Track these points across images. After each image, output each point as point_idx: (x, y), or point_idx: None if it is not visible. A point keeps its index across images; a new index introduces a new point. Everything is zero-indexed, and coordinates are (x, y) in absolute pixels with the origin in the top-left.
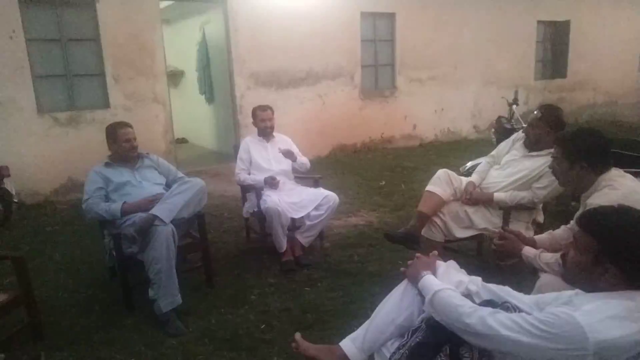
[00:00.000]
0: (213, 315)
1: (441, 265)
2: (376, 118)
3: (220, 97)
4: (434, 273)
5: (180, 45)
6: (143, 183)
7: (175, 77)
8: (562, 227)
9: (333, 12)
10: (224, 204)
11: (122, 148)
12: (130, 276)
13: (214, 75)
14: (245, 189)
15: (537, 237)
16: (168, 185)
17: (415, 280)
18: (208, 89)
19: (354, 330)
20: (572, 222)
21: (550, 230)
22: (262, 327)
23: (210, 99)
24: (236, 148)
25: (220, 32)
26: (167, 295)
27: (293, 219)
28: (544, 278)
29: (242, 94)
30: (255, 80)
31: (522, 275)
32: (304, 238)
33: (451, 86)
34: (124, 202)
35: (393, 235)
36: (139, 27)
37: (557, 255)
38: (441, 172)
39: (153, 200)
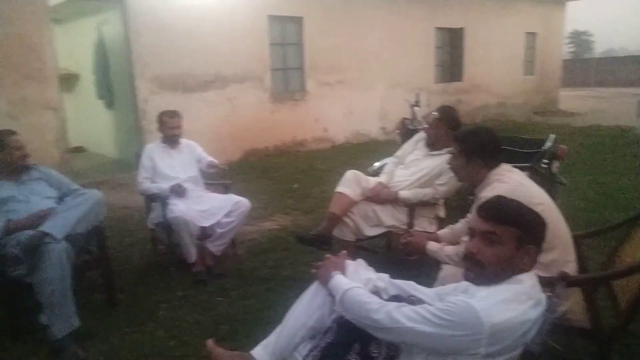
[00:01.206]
0: (116, 336)
1: (350, 264)
2: (287, 121)
3: (121, 102)
4: (344, 272)
5: (74, 47)
6: (31, 198)
7: (69, 80)
8: (461, 220)
9: (240, 15)
10: (127, 215)
11: (13, 157)
12: (18, 301)
13: (114, 79)
14: (150, 198)
15: (439, 232)
16: (61, 199)
17: (325, 281)
18: (107, 93)
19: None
20: (469, 215)
21: (451, 225)
22: (172, 343)
23: (109, 104)
24: (137, 156)
25: (118, 32)
26: (62, 319)
27: (203, 228)
28: (446, 269)
29: (145, 99)
30: (160, 84)
31: (427, 268)
32: (215, 247)
33: (359, 89)
34: (9, 220)
35: (304, 237)
36: (24, 25)
37: (457, 247)
38: (350, 174)
39: (43, 216)
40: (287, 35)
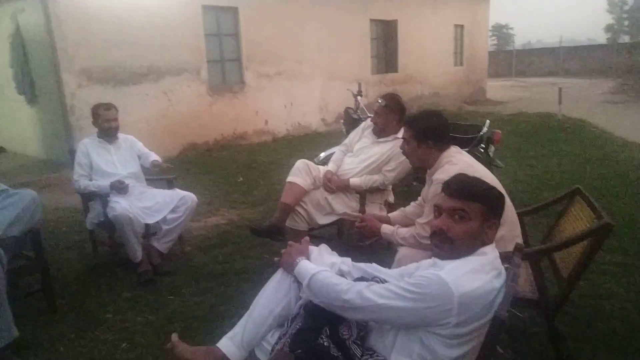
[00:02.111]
0: (61, 344)
1: (314, 250)
2: (227, 114)
3: (45, 97)
4: (308, 258)
5: None
6: None
7: None
8: (412, 203)
9: (172, 5)
10: (60, 217)
11: None
12: None
13: (36, 73)
14: (88, 197)
15: (390, 215)
16: None
17: (290, 268)
18: (28, 88)
19: (227, 332)
20: (419, 198)
21: (402, 208)
22: (124, 345)
23: (31, 100)
24: (72, 153)
25: (38, 22)
26: None
27: (147, 225)
28: (402, 251)
29: (72, 93)
30: (88, 76)
31: (381, 252)
32: (161, 244)
33: (298, 81)
34: None
35: (258, 229)
36: None
37: (412, 229)
38: (300, 163)
39: None
40: (223, 26)
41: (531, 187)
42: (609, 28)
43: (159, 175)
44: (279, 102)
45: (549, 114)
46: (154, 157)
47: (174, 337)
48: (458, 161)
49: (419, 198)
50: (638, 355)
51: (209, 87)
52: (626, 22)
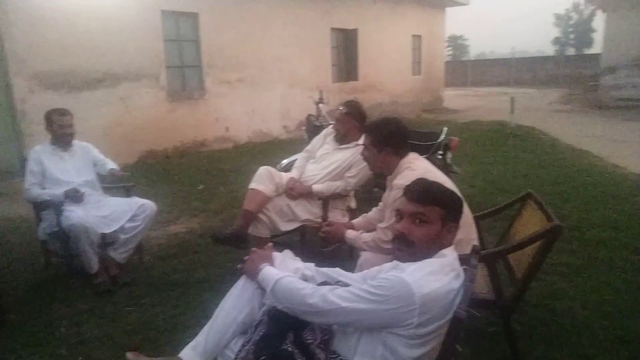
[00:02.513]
0: None
1: (277, 256)
2: (187, 121)
3: None
4: (272, 264)
5: None
6: None
7: None
8: (374, 209)
9: (130, 9)
10: (9, 228)
11: None
12: None
13: None
14: (40, 206)
15: (354, 221)
16: None
17: (254, 275)
18: None
19: (188, 342)
20: (380, 204)
21: (364, 214)
22: None
23: None
24: (23, 161)
25: None
26: None
27: (104, 235)
28: (364, 256)
29: (23, 98)
30: (40, 81)
31: (343, 257)
32: (119, 254)
33: (259, 88)
34: None
35: (220, 236)
36: None
37: (374, 234)
38: (263, 170)
39: None
40: (183, 32)
41: (486, 192)
42: (556, 41)
43: (117, 183)
44: (241, 109)
45: (503, 122)
46: (112, 165)
47: (129, 355)
48: (417, 167)
49: (380, 203)
50: (585, 351)
51: (169, 93)
52: (572, 36)
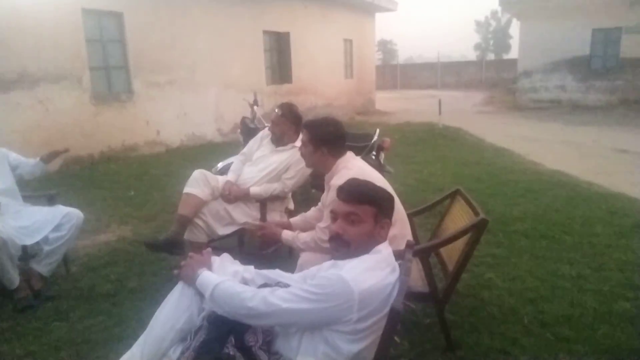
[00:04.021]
0: None
1: (215, 260)
2: (114, 125)
3: None
4: (210, 269)
5: None
6: None
7: None
8: (312, 208)
9: (47, 6)
10: None
11: None
12: None
13: None
14: None
15: (292, 220)
16: None
17: (191, 280)
18: None
19: (123, 354)
20: (319, 203)
21: (303, 213)
22: None
23: None
24: None
25: None
26: None
27: (25, 247)
28: (303, 256)
29: None
30: None
31: (283, 259)
32: (43, 267)
33: (191, 90)
34: None
35: (154, 243)
36: None
37: (313, 233)
38: (197, 173)
39: None
40: (107, 32)
41: (418, 190)
42: (477, 46)
43: (37, 192)
44: (172, 112)
45: (431, 123)
46: (34, 161)
47: None
48: (353, 166)
49: (319, 203)
50: (513, 335)
51: (93, 96)
52: (491, 42)
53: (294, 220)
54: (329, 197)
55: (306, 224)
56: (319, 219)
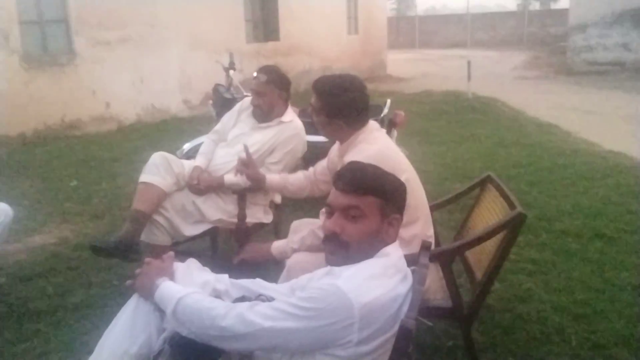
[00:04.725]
0: None
1: (179, 267)
2: (51, 95)
3: None
4: (172, 278)
5: None
6: None
7: None
8: (300, 173)
9: None
10: None
11: None
12: None
13: None
14: None
15: (268, 176)
16: None
17: (149, 293)
18: None
19: None
20: (311, 168)
21: (284, 175)
22: None
23: None
24: None
25: None
26: None
27: None
28: (293, 258)
29: None
30: None
31: (267, 266)
32: None
33: (150, 50)
34: None
35: (103, 247)
36: None
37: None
38: (157, 157)
39: None
40: None
41: (440, 178)
42: None
43: None
44: (125, 79)
45: (458, 93)
46: None
47: None
48: (375, 140)
49: (310, 168)
50: None
51: (23, 58)
52: None
53: (271, 177)
54: None
55: (306, 183)
56: (303, 189)
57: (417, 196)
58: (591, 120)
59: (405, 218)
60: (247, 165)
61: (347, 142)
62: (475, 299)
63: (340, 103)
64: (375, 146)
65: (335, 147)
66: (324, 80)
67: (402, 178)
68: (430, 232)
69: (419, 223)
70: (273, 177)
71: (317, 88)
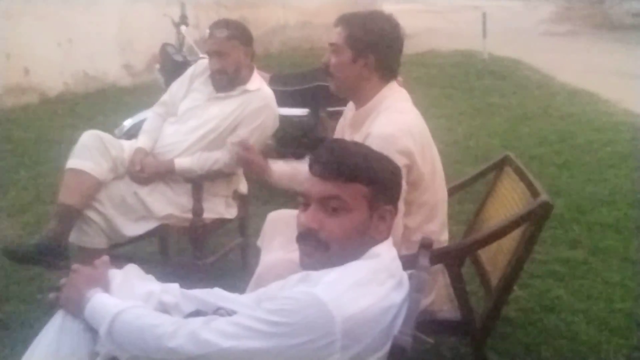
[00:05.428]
0: None
1: (116, 275)
2: None
3: None
4: (107, 289)
5: None
6: None
7: None
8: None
9: None
10: None
11: None
12: None
13: None
14: None
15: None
16: None
17: (77, 308)
18: None
19: None
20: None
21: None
22: None
23: None
24: None
25: None
26: None
27: None
28: (265, 261)
29: None
30: None
31: (231, 272)
32: None
33: (79, 2)
34: None
35: (22, 251)
36: None
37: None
38: (89, 137)
39: None
40: None
41: (449, 159)
42: None
43: None
44: (49, 38)
45: (471, 53)
46: None
47: None
48: (403, 109)
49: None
50: None
51: None
52: None
53: (279, 166)
54: None
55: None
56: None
57: (439, 192)
58: (636, 86)
59: (420, 217)
60: (248, 150)
61: (367, 106)
62: (490, 309)
63: (372, 32)
64: (408, 117)
65: (347, 118)
66: (349, 13)
67: (430, 167)
68: (445, 236)
69: (437, 221)
70: (280, 165)
71: (343, 18)
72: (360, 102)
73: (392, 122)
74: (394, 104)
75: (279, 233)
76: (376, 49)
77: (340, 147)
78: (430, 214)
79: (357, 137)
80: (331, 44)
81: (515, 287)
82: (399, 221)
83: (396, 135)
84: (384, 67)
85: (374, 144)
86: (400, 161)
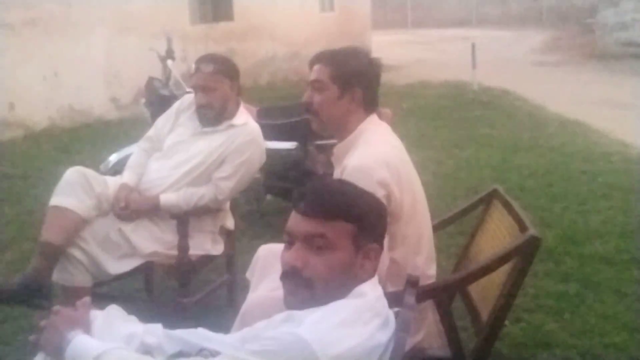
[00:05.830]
0: None
1: (97, 316)
2: None
3: None
4: (88, 331)
5: None
6: None
7: None
8: None
9: None
10: None
11: None
12: None
13: None
14: None
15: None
16: None
17: (57, 350)
18: None
19: None
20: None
21: None
22: None
23: None
24: None
25: None
26: None
27: None
28: (251, 300)
29: None
30: None
31: (217, 310)
32: None
33: (66, 35)
34: None
35: (2, 289)
36: None
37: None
38: (73, 174)
39: None
40: None
41: (439, 191)
42: None
43: None
44: (34, 72)
45: (461, 84)
46: None
47: None
48: (381, 142)
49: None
50: None
51: None
52: None
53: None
54: None
55: None
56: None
57: (422, 222)
58: (627, 116)
59: (405, 249)
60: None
61: (348, 139)
62: (480, 345)
63: (358, 67)
64: (387, 149)
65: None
66: (326, 52)
67: (410, 198)
68: (433, 270)
69: (422, 255)
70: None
71: (321, 56)
72: (342, 136)
73: (368, 154)
74: (372, 137)
75: (269, 266)
76: (361, 82)
77: (325, 185)
78: (416, 247)
79: (338, 171)
80: (314, 82)
81: (506, 322)
82: (384, 256)
83: (372, 167)
84: (369, 100)
85: (351, 176)
86: (378, 192)
